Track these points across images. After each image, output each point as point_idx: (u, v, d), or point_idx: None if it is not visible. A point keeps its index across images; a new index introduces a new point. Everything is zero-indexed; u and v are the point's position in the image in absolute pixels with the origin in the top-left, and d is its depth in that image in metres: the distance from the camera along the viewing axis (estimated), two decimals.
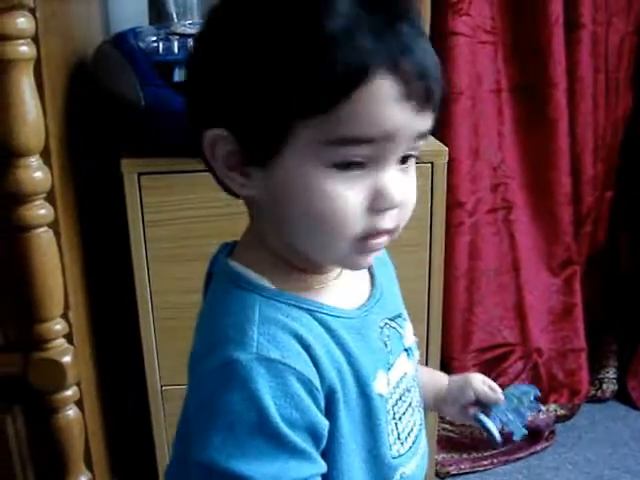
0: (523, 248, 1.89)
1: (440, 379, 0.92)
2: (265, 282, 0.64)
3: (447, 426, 1.78)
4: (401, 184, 0.61)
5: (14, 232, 0.96)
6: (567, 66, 1.77)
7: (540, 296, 1.94)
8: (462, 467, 1.76)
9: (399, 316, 0.74)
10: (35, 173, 0.95)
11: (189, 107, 0.66)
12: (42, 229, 0.98)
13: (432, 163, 1.25)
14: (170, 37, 1.21)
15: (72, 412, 1.08)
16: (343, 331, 0.64)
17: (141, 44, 1.19)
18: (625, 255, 2.05)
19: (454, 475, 1.75)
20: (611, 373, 2.03)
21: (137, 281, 1.24)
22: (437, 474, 1.72)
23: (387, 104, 0.56)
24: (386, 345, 0.69)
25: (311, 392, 0.60)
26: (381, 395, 0.67)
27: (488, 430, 0.87)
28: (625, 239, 2.04)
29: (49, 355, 1.02)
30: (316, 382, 0.61)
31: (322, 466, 0.62)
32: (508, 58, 1.77)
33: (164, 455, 1.35)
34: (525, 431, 0.88)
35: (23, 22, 0.90)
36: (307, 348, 0.61)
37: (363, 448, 0.66)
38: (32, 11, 0.92)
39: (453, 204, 1.71)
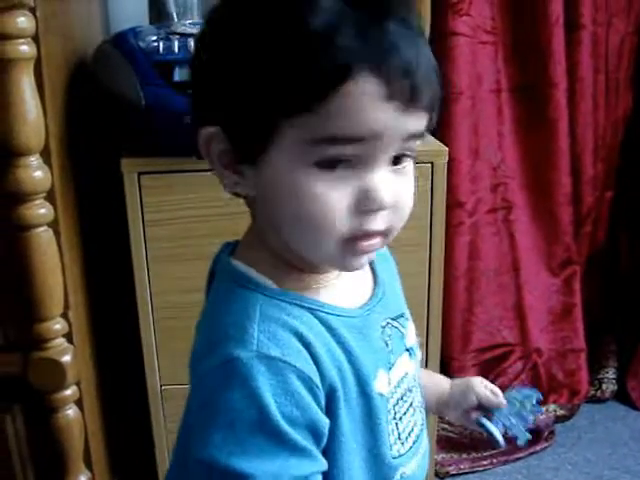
0: (523, 248, 1.89)
1: (442, 383, 0.91)
2: (267, 281, 0.64)
3: (446, 426, 1.78)
4: (392, 185, 0.60)
5: (14, 231, 0.96)
6: (567, 66, 1.77)
7: (540, 296, 1.94)
8: (461, 467, 1.76)
9: (401, 316, 0.74)
10: (35, 172, 0.95)
11: (191, 106, 0.67)
12: (42, 228, 0.98)
13: (432, 163, 1.25)
14: (170, 37, 1.21)
15: (72, 412, 1.07)
16: (344, 330, 0.64)
17: (141, 44, 1.19)
18: (625, 255, 2.05)
19: (453, 475, 1.75)
20: (611, 373, 2.04)
21: (137, 280, 1.24)
22: (436, 474, 1.72)
23: (370, 103, 0.56)
24: (387, 344, 0.69)
25: (311, 390, 0.60)
26: (382, 394, 0.67)
27: (491, 435, 0.86)
28: (625, 239, 2.04)
29: (49, 355, 1.02)
30: (316, 380, 0.61)
31: (323, 464, 0.62)
32: (508, 58, 1.77)
33: (164, 454, 1.35)
34: (529, 435, 0.87)
35: (23, 21, 0.90)
36: (307, 346, 0.61)
37: (363, 447, 0.66)
38: (32, 10, 0.92)
39: (453, 204, 1.71)
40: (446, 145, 1.30)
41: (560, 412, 1.91)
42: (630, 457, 1.79)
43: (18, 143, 0.92)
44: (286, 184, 0.60)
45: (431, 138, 1.30)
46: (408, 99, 0.56)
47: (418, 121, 0.59)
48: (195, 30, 1.23)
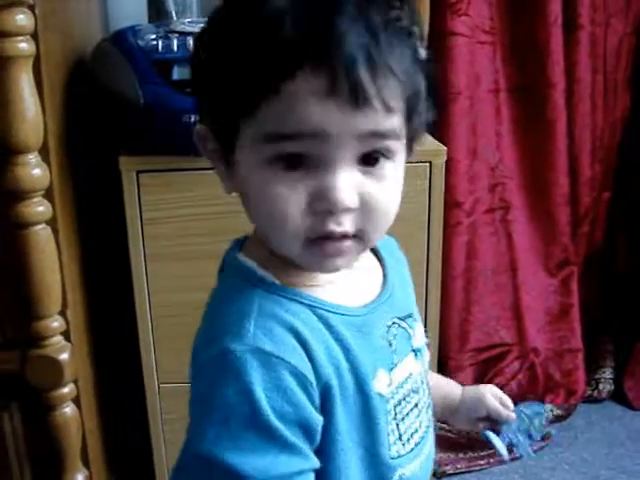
0: (520, 248, 1.89)
1: (453, 390, 0.91)
2: (270, 277, 0.64)
3: (444, 426, 1.78)
4: (360, 186, 0.59)
5: (12, 229, 0.96)
6: (565, 67, 1.78)
7: (537, 296, 1.94)
8: (458, 466, 1.76)
9: (409, 316, 0.73)
10: (34, 170, 0.95)
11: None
12: (40, 226, 0.98)
13: (430, 163, 1.25)
14: (169, 35, 1.21)
15: (69, 409, 1.08)
16: (343, 328, 0.64)
17: (140, 42, 1.19)
18: (622, 256, 2.05)
19: (450, 475, 1.75)
20: (607, 373, 2.04)
21: (135, 279, 1.24)
22: (433, 473, 1.72)
23: (311, 100, 0.55)
24: (390, 344, 0.68)
25: (305, 387, 0.60)
26: (381, 394, 0.66)
27: (496, 449, 0.86)
28: (622, 240, 2.04)
29: (46, 352, 1.02)
30: (311, 377, 0.61)
31: (314, 462, 0.62)
32: (506, 58, 1.77)
33: (161, 452, 1.36)
34: (534, 455, 0.87)
35: (22, 19, 0.90)
36: (304, 343, 0.61)
37: (360, 446, 0.66)
38: (31, 8, 0.92)
39: (451, 204, 1.71)
40: (444, 145, 1.30)
41: (557, 412, 1.91)
42: (627, 457, 1.79)
43: (17, 141, 0.92)
44: (249, 184, 0.61)
45: (429, 138, 1.30)
46: (353, 96, 0.55)
47: (375, 120, 0.57)
48: (194, 29, 1.23)
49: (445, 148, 1.28)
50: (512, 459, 1.73)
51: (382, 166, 0.60)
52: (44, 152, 0.97)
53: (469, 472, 1.76)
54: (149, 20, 1.46)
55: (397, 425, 0.68)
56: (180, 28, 1.23)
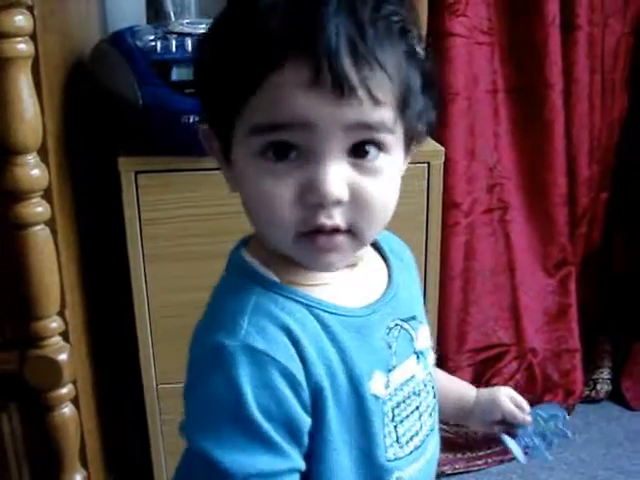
0: (518, 249, 1.89)
1: (467, 392, 0.91)
2: (271, 275, 0.65)
3: (442, 426, 1.77)
4: (350, 179, 0.59)
5: (11, 230, 0.96)
6: (563, 67, 1.78)
7: (535, 296, 1.94)
8: (457, 467, 1.76)
9: (413, 318, 0.72)
10: (32, 171, 0.95)
11: None
12: (39, 227, 0.98)
13: (428, 163, 1.25)
14: (168, 36, 1.21)
15: (68, 410, 1.08)
16: (339, 328, 0.64)
17: (139, 43, 1.19)
18: (620, 256, 2.05)
19: (449, 475, 1.75)
20: (605, 374, 2.04)
21: (133, 279, 1.24)
22: None
23: (296, 91, 0.56)
24: (390, 346, 0.68)
25: (294, 387, 0.60)
26: (376, 396, 0.66)
27: (513, 453, 0.85)
28: (620, 240, 2.04)
29: (45, 353, 1.02)
30: (300, 377, 0.61)
31: (297, 463, 0.62)
32: (504, 59, 1.77)
33: (159, 453, 1.36)
34: (550, 458, 0.86)
35: (21, 20, 0.90)
36: (296, 342, 0.61)
37: (353, 447, 0.65)
38: (30, 9, 0.92)
39: (449, 204, 1.71)
40: (442, 145, 1.30)
41: None
42: (624, 457, 1.80)
43: (15, 141, 0.93)
44: (243, 178, 0.62)
45: (427, 138, 1.30)
46: (337, 86, 0.55)
47: (361, 110, 0.57)
48: (192, 30, 1.23)
49: (443, 149, 1.28)
50: (510, 459, 1.75)
51: (375, 159, 0.60)
52: (43, 153, 0.97)
53: (467, 472, 1.76)
54: (147, 21, 1.46)
55: (395, 427, 0.68)
56: (178, 29, 1.23)
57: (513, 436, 0.86)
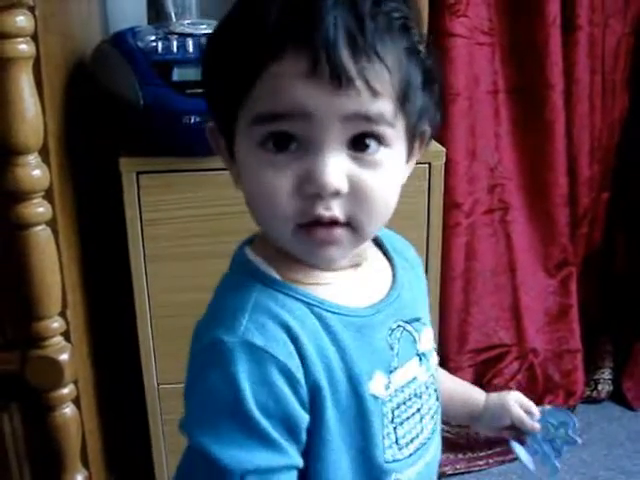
0: (519, 249, 1.89)
1: (475, 396, 0.90)
2: (273, 273, 0.65)
3: (443, 426, 1.78)
4: (349, 171, 0.59)
5: (12, 230, 0.97)
6: (564, 67, 1.78)
7: (536, 297, 1.94)
8: (458, 467, 1.76)
9: (417, 320, 0.72)
10: (34, 171, 0.95)
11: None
12: (40, 227, 0.98)
13: (429, 164, 1.25)
14: (169, 36, 1.21)
15: (69, 410, 1.08)
16: (340, 327, 0.64)
17: (140, 43, 1.19)
18: (621, 256, 2.05)
19: (450, 475, 1.75)
20: (606, 374, 2.04)
21: (134, 279, 1.24)
22: None
23: (295, 81, 0.56)
24: (392, 347, 0.68)
25: (292, 384, 0.60)
26: (375, 396, 0.66)
27: (522, 461, 0.85)
28: (621, 240, 2.04)
29: (46, 353, 1.02)
30: (299, 375, 0.61)
31: (295, 460, 0.62)
32: (505, 59, 1.77)
33: (160, 453, 1.36)
34: (559, 466, 0.84)
35: (23, 20, 0.90)
36: (295, 340, 0.61)
37: (352, 447, 0.65)
38: (32, 9, 0.92)
39: (450, 205, 1.71)
40: (443, 146, 1.30)
41: None
42: (626, 458, 1.80)
43: (17, 142, 0.93)
44: (244, 170, 0.62)
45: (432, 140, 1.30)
46: (334, 77, 0.56)
47: (359, 101, 0.57)
48: (193, 30, 1.23)
49: (444, 149, 1.29)
50: (511, 459, 1.75)
51: (375, 152, 0.60)
52: (44, 153, 0.98)
53: (468, 473, 1.76)
54: (148, 22, 1.47)
55: (394, 429, 0.68)
56: (179, 29, 1.24)
57: (522, 442, 0.86)
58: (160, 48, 1.18)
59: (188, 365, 0.65)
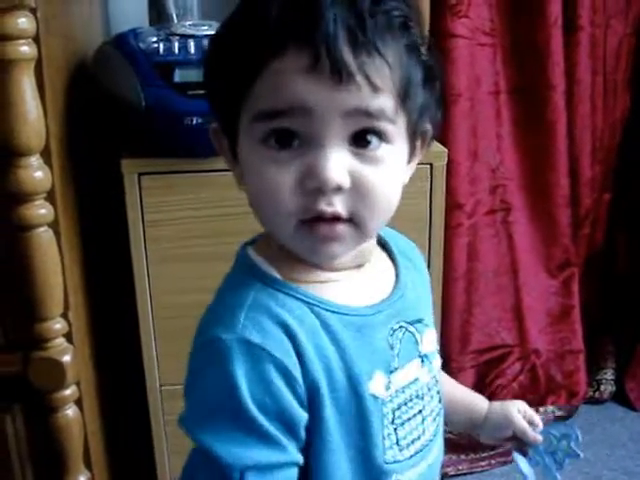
0: (521, 250, 1.89)
1: (478, 404, 0.90)
2: (273, 272, 0.65)
3: (445, 427, 1.78)
4: (351, 167, 0.59)
5: (14, 231, 0.96)
6: (565, 68, 1.78)
7: (538, 297, 1.94)
8: (460, 468, 1.76)
9: (419, 321, 0.72)
10: (35, 173, 0.95)
11: None
12: (42, 229, 0.98)
13: (431, 165, 1.25)
14: (170, 38, 1.21)
15: (71, 411, 1.08)
16: (340, 327, 0.64)
17: (141, 45, 1.19)
18: (623, 257, 2.05)
19: (452, 476, 1.76)
20: (609, 374, 2.04)
21: (137, 281, 1.24)
22: None
23: (296, 77, 0.57)
24: (392, 347, 0.68)
25: (289, 382, 0.61)
26: (375, 396, 0.66)
27: (523, 473, 0.85)
28: (623, 241, 2.04)
29: (49, 354, 1.02)
30: (296, 373, 0.61)
31: (294, 457, 0.62)
32: (507, 60, 1.77)
33: (163, 455, 1.36)
34: (560, 479, 0.84)
35: (24, 22, 0.90)
36: (292, 338, 0.61)
37: (351, 447, 0.65)
38: (33, 11, 0.92)
39: (452, 205, 1.72)
40: (445, 147, 1.30)
41: (558, 413, 1.92)
42: (628, 458, 1.80)
43: (19, 143, 0.93)
44: (247, 167, 0.63)
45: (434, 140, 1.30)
46: (335, 72, 0.56)
47: (360, 97, 0.58)
48: (195, 31, 1.23)
49: (446, 150, 1.28)
50: (513, 460, 1.75)
51: (376, 149, 0.61)
52: (46, 155, 0.98)
53: (471, 473, 1.76)
54: (150, 23, 1.47)
55: (395, 429, 0.68)
56: (181, 31, 1.24)
57: (524, 453, 0.86)
58: (162, 49, 1.18)
59: (188, 361, 0.65)
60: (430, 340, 0.74)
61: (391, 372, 0.68)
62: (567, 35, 1.77)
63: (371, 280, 0.70)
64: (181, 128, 1.14)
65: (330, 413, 0.63)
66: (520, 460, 0.85)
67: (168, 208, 1.21)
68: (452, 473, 1.75)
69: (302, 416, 0.62)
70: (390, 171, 0.62)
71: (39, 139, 0.95)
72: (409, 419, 0.70)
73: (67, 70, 1.17)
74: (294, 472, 0.63)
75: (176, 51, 1.18)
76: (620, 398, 2.02)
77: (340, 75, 0.56)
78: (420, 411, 0.71)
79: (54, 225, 1.00)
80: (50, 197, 0.98)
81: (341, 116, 0.58)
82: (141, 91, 1.15)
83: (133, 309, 1.26)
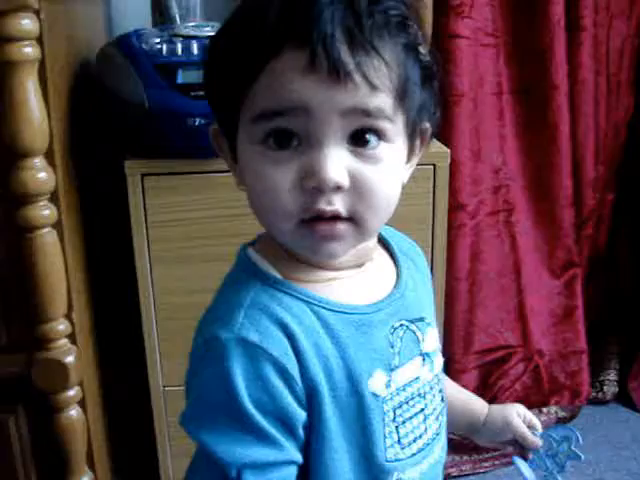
0: (524, 250, 1.89)
1: (477, 408, 0.89)
2: (273, 271, 0.65)
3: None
4: (350, 165, 0.59)
5: (18, 232, 0.97)
6: (568, 68, 1.78)
7: (541, 298, 1.94)
8: (463, 469, 1.76)
9: (420, 320, 0.72)
10: (39, 174, 0.95)
11: None
12: (46, 229, 0.98)
13: (434, 165, 1.25)
14: (173, 39, 1.21)
15: (75, 412, 1.08)
16: (339, 326, 0.64)
17: (144, 46, 1.20)
18: (626, 257, 2.05)
19: (455, 477, 1.75)
20: (612, 375, 2.04)
21: (140, 282, 1.24)
22: None
23: (294, 76, 0.57)
24: (393, 346, 0.68)
25: (287, 380, 0.61)
26: (375, 394, 0.66)
27: (524, 477, 0.84)
28: (626, 241, 2.04)
29: (52, 355, 1.03)
30: (294, 372, 0.61)
31: (292, 455, 0.63)
32: (509, 60, 1.77)
33: (166, 455, 1.36)
34: None
35: (28, 23, 0.90)
36: (291, 337, 0.62)
37: (352, 445, 0.66)
38: (36, 13, 0.93)
39: (455, 206, 1.71)
40: (448, 147, 1.30)
41: (561, 414, 1.91)
42: (632, 459, 1.79)
43: (22, 144, 0.93)
44: (246, 168, 0.63)
45: (433, 140, 1.30)
46: (332, 71, 0.56)
47: (358, 95, 0.58)
48: (198, 32, 1.23)
49: (449, 150, 1.28)
50: None
51: (375, 147, 0.61)
52: (49, 156, 0.98)
53: (474, 474, 1.76)
54: (153, 24, 1.47)
55: (396, 428, 0.68)
56: (184, 32, 1.24)
57: (525, 457, 0.85)
58: (164, 51, 1.18)
59: (189, 360, 0.66)
60: (432, 339, 0.74)
61: (391, 370, 0.68)
62: (570, 36, 1.76)
63: (372, 279, 0.70)
64: (184, 129, 1.14)
65: (330, 412, 0.63)
66: (521, 464, 0.85)
67: (171, 209, 1.21)
68: (455, 474, 1.75)
69: (300, 415, 0.62)
70: (389, 170, 0.62)
71: (42, 140, 0.95)
72: (410, 417, 0.70)
73: (70, 71, 1.17)
74: (292, 471, 0.63)
75: (179, 52, 1.18)
76: (623, 399, 2.01)
77: (338, 74, 0.56)
78: (422, 409, 0.71)
79: (57, 226, 1.00)
80: (53, 198, 0.99)
81: (339, 115, 0.58)
82: (144, 92, 1.15)
83: (136, 310, 1.26)
